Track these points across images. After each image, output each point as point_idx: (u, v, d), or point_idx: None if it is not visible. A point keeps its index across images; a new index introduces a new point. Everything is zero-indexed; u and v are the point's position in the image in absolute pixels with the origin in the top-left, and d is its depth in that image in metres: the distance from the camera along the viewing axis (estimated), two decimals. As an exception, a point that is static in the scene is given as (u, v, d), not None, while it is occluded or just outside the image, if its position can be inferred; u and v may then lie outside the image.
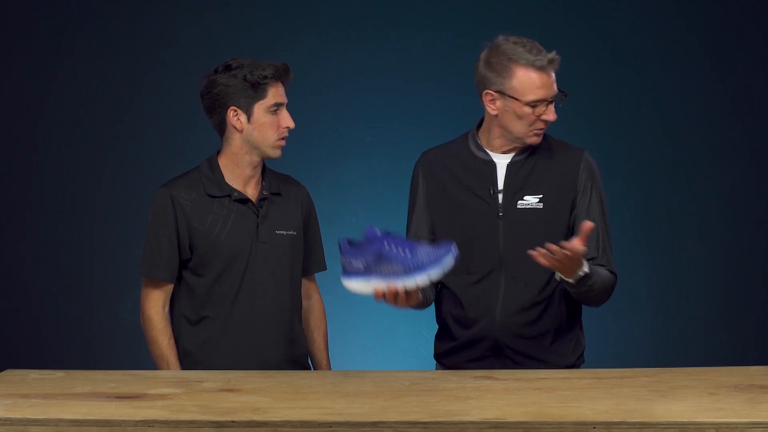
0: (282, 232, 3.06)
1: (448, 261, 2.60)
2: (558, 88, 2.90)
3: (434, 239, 3.01)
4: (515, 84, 2.88)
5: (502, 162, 2.98)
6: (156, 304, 3.01)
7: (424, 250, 2.61)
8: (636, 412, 2.21)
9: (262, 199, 3.05)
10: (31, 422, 2.18)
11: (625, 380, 2.57)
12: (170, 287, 3.03)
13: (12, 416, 2.19)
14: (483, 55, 2.95)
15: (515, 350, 2.94)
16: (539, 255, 2.70)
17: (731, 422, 2.13)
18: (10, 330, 4.82)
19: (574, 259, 2.73)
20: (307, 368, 3.13)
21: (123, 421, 2.18)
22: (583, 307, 3.05)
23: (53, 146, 4.84)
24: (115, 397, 2.36)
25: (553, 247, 2.68)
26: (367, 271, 2.64)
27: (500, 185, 2.97)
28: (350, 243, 2.67)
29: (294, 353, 3.07)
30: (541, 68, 2.88)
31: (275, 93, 2.99)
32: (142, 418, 2.18)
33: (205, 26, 4.86)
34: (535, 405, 2.29)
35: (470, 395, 2.40)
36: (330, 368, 3.19)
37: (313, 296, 3.22)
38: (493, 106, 2.93)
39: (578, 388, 2.47)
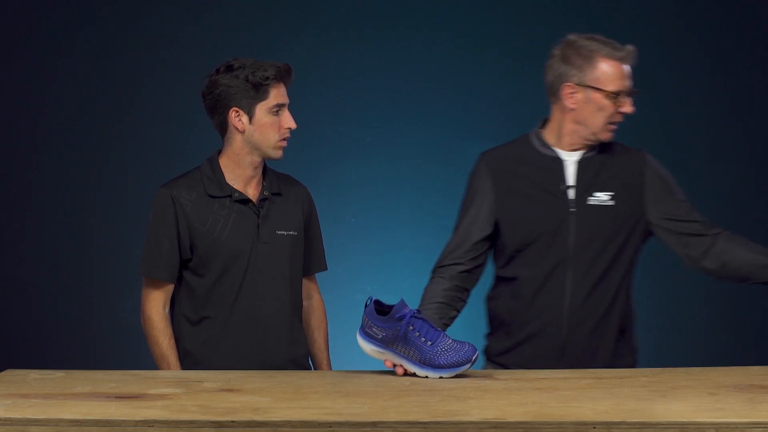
0: (282, 232, 3.06)
1: (464, 369, 2.59)
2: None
3: (488, 236, 3.05)
4: (598, 74, 2.93)
5: (570, 159, 3.01)
6: (156, 304, 3.01)
7: (445, 345, 2.60)
8: (636, 412, 2.21)
9: (262, 199, 3.05)
10: (31, 422, 2.18)
11: (625, 380, 2.57)
12: (170, 287, 3.03)
13: (12, 416, 2.19)
14: (557, 52, 2.99)
15: (580, 347, 2.96)
16: None
17: (731, 422, 2.13)
18: (10, 330, 4.82)
19: None
20: (308, 368, 3.13)
21: (123, 421, 2.18)
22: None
23: (53, 146, 4.84)
24: (115, 397, 2.36)
25: None
26: (383, 343, 2.64)
27: (570, 181, 2.99)
28: (378, 305, 2.67)
29: (294, 353, 3.07)
30: (621, 60, 2.93)
31: (277, 94, 2.99)
32: (142, 418, 2.18)
33: (205, 26, 4.86)
34: (535, 405, 2.29)
35: (470, 395, 2.40)
36: (330, 368, 3.19)
37: (314, 296, 3.22)
38: (572, 99, 2.96)
39: (578, 388, 2.47)
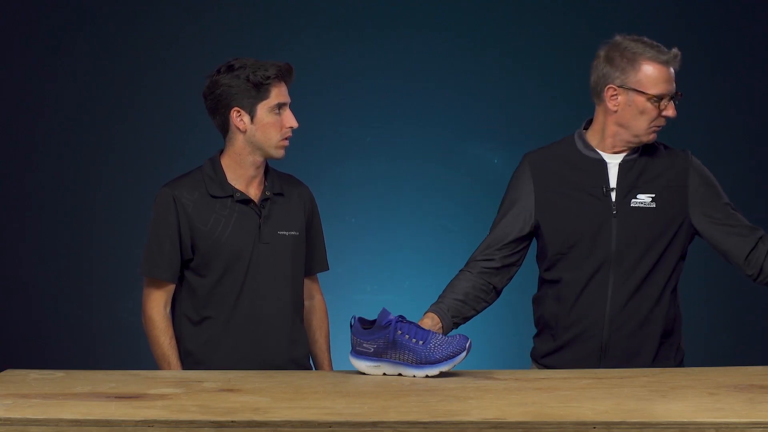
0: (284, 232, 3.06)
1: (461, 358, 2.59)
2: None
3: (525, 236, 3.05)
4: (641, 77, 2.92)
5: (612, 161, 3.00)
6: (157, 304, 3.01)
7: (436, 341, 2.61)
8: (636, 412, 2.21)
9: (264, 199, 3.05)
10: (31, 422, 2.18)
11: (625, 380, 2.57)
12: (172, 287, 3.03)
13: (12, 416, 2.19)
14: (602, 53, 2.98)
15: (622, 350, 2.95)
16: None
17: (731, 422, 2.13)
18: (10, 330, 4.82)
19: None
20: (309, 368, 3.13)
21: (123, 421, 2.18)
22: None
23: (53, 146, 4.84)
24: (115, 397, 2.36)
25: None
26: (376, 355, 2.64)
27: (612, 183, 2.98)
28: (362, 322, 2.68)
29: (295, 353, 3.07)
30: (665, 63, 2.92)
31: (278, 93, 2.99)
32: (142, 418, 2.18)
33: (205, 26, 4.86)
34: (535, 405, 2.29)
35: (470, 395, 2.40)
36: (332, 369, 3.19)
37: (316, 296, 3.22)
38: (614, 102, 2.95)
39: (578, 388, 2.47)
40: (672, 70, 2.93)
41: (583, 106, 4.80)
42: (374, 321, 2.66)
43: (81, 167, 4.84)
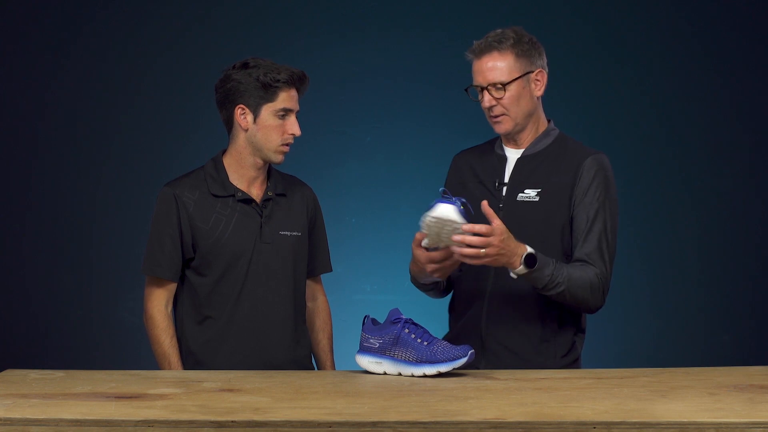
0: (286, 232, 3.06)
1: (461, 363, 2.60)
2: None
3: None
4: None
5: (513, 157, 3.01)
6: (159, 303, 3.01)
7: (441, 346, 2.62)
8: (636, 412, 2.21)
9: (266, 199, 3.05)
10: (31, 422, 2.18)
11: (625, 380, 2.57)
12: (173, 286, 3.03)
13: (12, 416, 2.19)
14: None
15: (501, 345, 2.94)
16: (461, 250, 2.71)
17: (731, 422, 2.13)
18: (10, 330, 4.82)
19: (496, 244, 2.71)
20: (311, 369, 3.13)
21: (123, 421, 2.18)
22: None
23: (53, 146, 4.84)
24: (115, 397, 2.36)
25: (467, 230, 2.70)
26: (380, 352, 2.66)
27: (506, 178, 3.00)
28: (374, 322, 2.71)
29: (297, 354, 3.07)
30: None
31: (286, 98, 2.99)
32: (142, 418, 2.18)
33: (206, 27, 4.86)
34: (535, 405, 2.29)
35: (470, 395, 2.40)
36: (334, 370, 3.19)
37: (319, 298, 3.22)
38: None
39: (578, 388, 2.47)
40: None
41: (582, 106, 4.81)
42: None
43: (81, 167, 4.85)
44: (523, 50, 2.97)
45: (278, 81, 2.96)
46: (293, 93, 3.00)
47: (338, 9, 4.89)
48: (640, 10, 4.91)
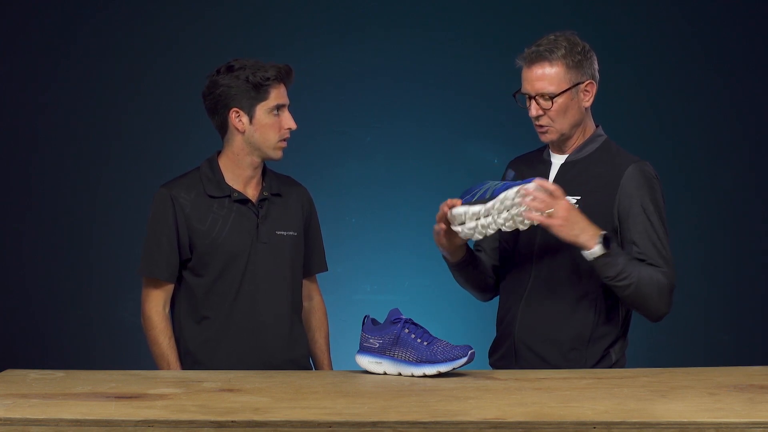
0: (282, 232, 3.06)
1: (461, 362, 2.60)
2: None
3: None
4: None
5: (557, 163, 3.00)
6: (156, 304, 3.02)
7: (441, 346, 2.62)
8: (636, 412, 2.21)
9: (262, 199, 3.05)
10: (31, 422, 2.18)
11: (625, 380, 2.57)
12: (170, 287, 3.04)
13: (12, 416, 2.19)
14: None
15: (532, 352, 2.93)
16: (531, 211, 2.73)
17: (731, 422, 2.13)
18: (10, 330, 4.82)
19: (560, 204, 2.74)
20: (308, 368, 3.13)
21: (123, 421, 2.18)
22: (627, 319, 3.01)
23: (53, 146, 4.84)
24: (115, 397, 2.36)
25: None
26: (380, 352, 2.66)
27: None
28: (374, 322, 2.71)
29: (294, 354, 3.07)
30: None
31: (277, 94, 2.99)
32: (142, 418, 2.18)
33: (205, 26, 4.86)
34: (535, 405, 2.29)
35: (470, 395, 2.40)
36: (332, 369, 3.19)
37: (315, 297, 3.22)
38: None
39: (578, 388, 2.47)
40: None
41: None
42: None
43: (81, 167, 4.84)
44: (574, 61, 2.91)
45: (268, 79, 2.97)
46: (282, 88, 3.00)
47: (338, 9, 4.89)
48: (640, 10, 4.91)
